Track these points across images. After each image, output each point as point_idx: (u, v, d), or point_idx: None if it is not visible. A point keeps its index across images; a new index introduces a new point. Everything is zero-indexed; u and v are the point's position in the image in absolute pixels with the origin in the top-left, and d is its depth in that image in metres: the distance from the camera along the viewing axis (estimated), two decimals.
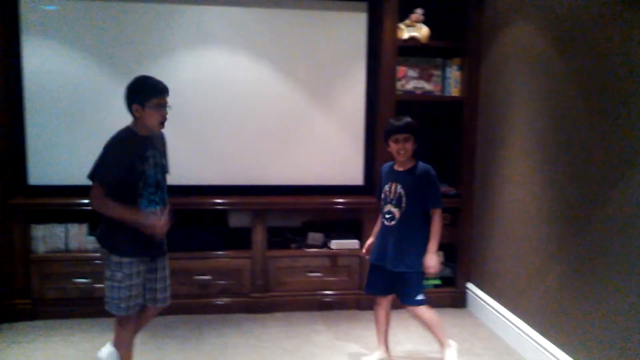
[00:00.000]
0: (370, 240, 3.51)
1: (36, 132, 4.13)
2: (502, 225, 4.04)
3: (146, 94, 2.89)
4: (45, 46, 4.09)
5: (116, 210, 2.86)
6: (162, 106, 2.94)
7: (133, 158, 2.89)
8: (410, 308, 3.32)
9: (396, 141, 3.25)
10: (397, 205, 3.28)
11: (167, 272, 3.16)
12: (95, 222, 4.18)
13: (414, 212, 3.27)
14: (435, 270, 3.28)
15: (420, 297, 3.29)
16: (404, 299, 3.32)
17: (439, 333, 3.35)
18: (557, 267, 3.36)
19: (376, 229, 3.49)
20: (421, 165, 3.33)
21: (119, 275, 2.91)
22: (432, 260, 3.25)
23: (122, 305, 2.93)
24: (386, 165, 3.45)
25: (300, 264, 4.38)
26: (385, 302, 3.44)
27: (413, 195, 3.26)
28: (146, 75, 3.01)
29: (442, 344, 3.35)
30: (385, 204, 3.34)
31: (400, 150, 3.25)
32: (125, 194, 2.89)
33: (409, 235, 3.28)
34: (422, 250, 3.27)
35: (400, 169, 3.33)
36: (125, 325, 3.04)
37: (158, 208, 3.00)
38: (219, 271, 4.27)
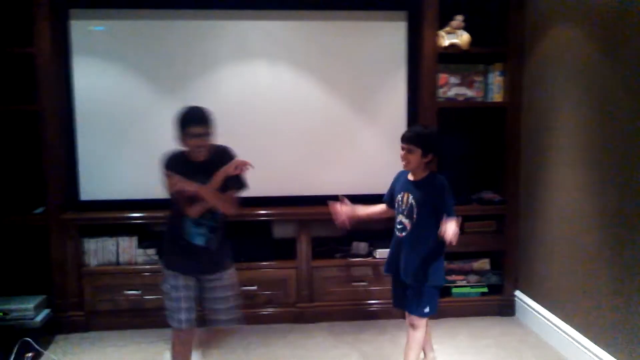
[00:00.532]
0: (349, 208, 3.44)
1: (86, 149, 4.26)
2: (549, 231, 3.97)
3: (181, 124, 3.01)
4: (95, 65, 4.23)
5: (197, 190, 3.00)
6: (196, 135, 2.98)
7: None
8: (413, 317, 3.20)
9: (402, 149, 3.17)
10: (409, 216, 3.17)
11: (229, 292, 3.20)
12: (144, 235, 4.33)
13: (426, 224, 3.12)
14: (450, 237, 2.87)
15: (426, 309, 3.17)
16: (409, 308, 3.22)
17: (414, 355, 3.22)
18: (609, 272, 3.28)
19: (363, 209, 3.47)
20: (435, 176, 3.19)
21: (166, 287, 3.10)
22: (452, 226, 2.89)
23: (174, 316, 3.07)
24: (403, 172, 3.32)
25: (345, 274, 4.38)
26: None
27: (424, 207, 3.12)
28: (190, 105, 3.08)
29: None
30: (398, 214, 3.26)
31: (403, 160, 3.17)
32: (174, 209, 3.10)
33: (420, 247, 3.16)
34: (432, 264, 3.15)
35: (413, 178, 3.22)
36: (176, 338, 3.14)
37: (207, 230, 3.11)
38: (265, 281, 4.31)
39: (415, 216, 3.14)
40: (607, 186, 3.29)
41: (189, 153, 3.05)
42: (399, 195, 3.24)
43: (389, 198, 3.40)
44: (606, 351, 3.30)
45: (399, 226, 3.24)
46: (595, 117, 3.40)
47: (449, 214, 3.01)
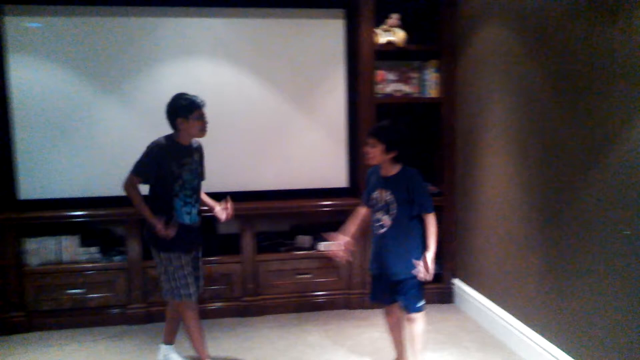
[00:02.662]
0: (346, 239, 3.34)
1: (25, 147, 4.21)
2: (484, 221, 4.16)
3: (189, 107, 3.28)
4: (32, 62, 4.18)
5: (136, 200, 3.28)
6: (203, 116, 3.34)
7: (170, 161, 3.28)
8: (410, 316, 3.21)
9: (366, 144, 3.18)
10: (387, 212, 3.16)
11: (200, 263, 3.57)
12: (87, 233, 4.30)
13: (405, 217, 3.14)
14: (424, 275, 3.13)
15: (420, 303, 3.21)
16: (406, 307, 3.20)
17: (418, 347, 3.24)
18: (536, 259, 3.47)
19: (352, 228, 3.36)
20: (407, 170, 3.19)
21: (171, 268, 3.32)
22: (426, 264, 3.11)
23: (184, 291, 3.33)
24: (374, 169, 3.30)
25: (289, 267, 4.47)
26: (393, 309, 3.34)
27: (401, 201, 3.13)
28: (182, 92, 3.34)
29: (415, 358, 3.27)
30: (375, 211, 3.23)
31: (366, 154, 3.17)
32: (163, 193, 3.31)
33: (403, 240, 3.16)
34: (419, 254, 3.16)
35: (387, 174, 3.19)
36: (190, 311, 3.39)
37: (194, 209, 3.41)
38: (210, 277, 4.34)
39: (393, 212, 3.14)
40: (534, 178, 3.48)
41: (180, 137, 3.34)
42: (375, 193, 3.23)
43: (367, 198, 3.32)
44: (537, 332, 3.50)
45: (377, 224, 3.22)
46: (521, 111, 3.59)
47: (425, 208, 3.15)
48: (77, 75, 4.24)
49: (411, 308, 3.19)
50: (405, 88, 4.63)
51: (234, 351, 3.83)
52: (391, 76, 4.59)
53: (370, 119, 4.42)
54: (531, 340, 3.52)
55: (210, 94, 4.35)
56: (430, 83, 4.59)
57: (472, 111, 4.27)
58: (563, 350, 3.22)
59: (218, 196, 4.45)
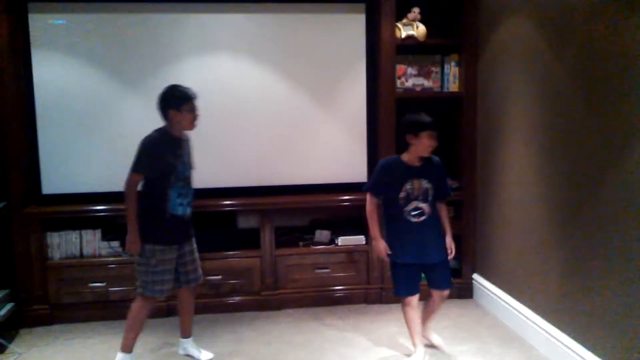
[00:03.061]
0: (384, 242, 3.46)
1: (48, 143, 4.25)
2: (504, 216, 4.13)
3: (182, 99, 3.31)
4: (55, 58, 4.22)
5: (131, 204, 3.29)
6: (195, 109, 3.36)
7: (166, 154, 3.31)
8: (446, 292, 3.50)
9: (430, 137, 3.28)
10: (425, 200, 3.36)
11: (196, 254, 3.58)
12: (108, 227, 4.34)
13: (435, 203, 3.44)
14: (453, 255, 3.51)
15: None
16: (446, 285, 3.50)
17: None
18: (558, 253, 3.45)
19: (375, 225, 3.49)
20: (431, 157, 3.41)
21: (153, 261, 3.32)
22: (453, 244, 3.50)
23: (157, 287, 3.35)
24: (391, 162, 3.43)
25: (308, 261, 4.48)
26: (417, 300, 3.48)
27: (436, 187, 3.39)
28: (175, 84, 3.38)
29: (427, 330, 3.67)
30: (409, 201, 3.34)
31: (432, 146, 3.30)
32: (159, 185, 3.33)
33: (437, 224, 3.45)
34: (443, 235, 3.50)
35: (418, 163, 3.36)
36: (148, 306, 3.42)
37: (186, 201, 3.43)
38: (230, 271, 4.38)
39: (430, 199, 3.37)
40: (555, 174, 3.45)
41: (173, 129, 3.36)
42: (408, 184, 3.33)
43: (383, 191, 3.44)
44: (557, 328, 3.48)
45: (414, 212, 3.35)
46: (543, 107, 3.56)
47: (449, 193, 3.54)
48: (99, 72, 4.27)
49: (450, 284, 3.53)
50: (426, 82, 4.60)
51: (253, 344, 3.86)
52: (412, 70, 4.56)
53: (390, 113, 4.40)
54: (551, 335, 3.50)
55: (231, 89, 4.42)
56: (451, 77, 4.56)
57: (493, 106, 4.24)
58: (583, 346, 3.20)
59: (238, 191, 4.50)
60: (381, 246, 3.45)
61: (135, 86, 4.31)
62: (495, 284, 4.33)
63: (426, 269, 3.45)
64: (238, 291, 4.42)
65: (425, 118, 3.32)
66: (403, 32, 4.41)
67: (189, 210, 3.47)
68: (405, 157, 3.38)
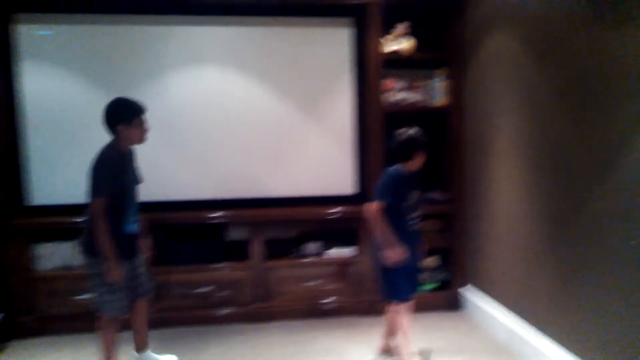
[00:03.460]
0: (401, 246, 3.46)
1: (36, 153, 4.28)
2: (494, 228, 4.16)
3: (131, 113, 3.25)
4: (43, 69, 4.26)
5: (106, 232, 3.14)
6: (144, 123, 3.30)
7: (121, 171, 3.24)
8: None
9: (425, 154, 3.48)
10: (418, 208, 3.55)
11: (144, 267, 3.54)
12: None
13: None
14: None
15: None
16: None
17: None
18: (548, 265, 3.47)
19: (393, 234, 3.47)
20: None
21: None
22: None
23: (117, 305, 3.29)
24: (399, 172, 3.49)
25: (298, 274, 4.49)
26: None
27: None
28: (122, 97, 3.33)
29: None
30: (411, 210, 3.50)
31: (420, 165, 3.51)
32: (116, 204, 3.22)
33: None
34: None
35: (410, 176, 3.52)
36: (113, 326, 3.37)
37: (137, 217, 3.37)
38: (219, 283, 4.39)
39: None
40: (543, 186, 3.48)
41: (121, 144, 3.27)
42: (413, 194, 3.51)
43: (391, 200, 3.45)
44: (549, 339, 3.49)
45: (415, 220, 3.53)
46: (530, 119, 3.60)
47: None
48: (87, 83, 4.30)
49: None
50: (414, 96, 4.65)
51: (244, 356, 3.86)
52: (399, 84, 4.61)
53: (378, 126, 4.45)
54: (542, 347, 3.51)
55: (217, 101, 4.46)
56: (438, 91, 4.62)
57: (481, 119, 4.29)
58: (574, 356, 3.21)
59: (226, 203, 4.51)
60: (402, 250, 3.42)
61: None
62: (486, 295, 4.34)
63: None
64: (227, 303, 4.42)
65: (423, 137, 3.50)
66: (390, 46, 4.46)
67: (137, 226, 3.41)
68: (405, 168, 3.49)
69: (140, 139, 3.31)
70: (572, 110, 3.14)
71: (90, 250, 3.22)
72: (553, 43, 3.30)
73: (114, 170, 3.19)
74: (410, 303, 3.57)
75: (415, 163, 3.46)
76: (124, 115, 3.22)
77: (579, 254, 3.13)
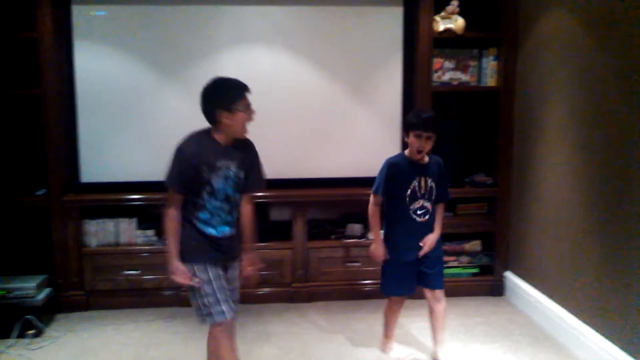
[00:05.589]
0: (382, 245, 3.40)
1: (88, 132, 4.33)
2: (540, 214, 4.06)
3: (233, 96, 2.70)
4: (96, 49, 4.28)
5: (169, 231, 2.78)
6: (249, 107, 2.76)
7: (200, 164, 2.69)
8: (439, 291, 3.39)
9: (419, 137, 3.16)
10: (429, 198, 3.31)
11: (236, 274, 2.99)
12: (144, 216, 4.41)
13: (435, 204, 3.39)
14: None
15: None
16: (438, 283, 3.39)
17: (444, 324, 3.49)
18: (594, 253, 3.38)
19: (378, 228, 3.42)
20: (433, 156, 3.38)
21: (195, 281, 2.76)
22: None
23: (213, 310, 2.74)
24: (397, 160, 3.32)
25: (339, 255, 4.48)
26: (404, 301, 3.55)
27: (438, 187, 3.34)
28: (223, 76, 2.79)
29: (441, 341, 3.50)
30: (415, 199, 3.28)
31: (421, 148, 3.18)
32: (188, 202, 2.78)
33: (432, 222, 3.38)
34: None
35: (423, 161, 3.30)
36: (222, 336, 2.80)
37: (224, 223, 2.83)
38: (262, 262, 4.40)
39: (433, 197, 3.33)
40: (594, 172, 3.37)
41: (218, 133, 2.76)
42: (415, 182, 3.26)
43: (385, 190, 3.34)
44: (592, 329, 3.42)
45: (420, 211, 3.30)
46: (584, 101, 3.48)
47: (448, 194, 3.46)
48: (138, 63, 4.32)
49: (441, 284, 3.40)
50: (463, 76, 4.54)
51: (282, 335, 3.89)
52: (448, 64, 4.50)
53: (426, 107, 4.36)
54: (585, 336, 3.44)
55: (266, 81, 4.42)
56: (488, 72, 4.49)
57: (532, 102, 4.16)
58: (617, 347, 3.14)
59: (271, 183, 4.50)
60: (381, 251, 3.39)
61: (173, 77, 4.35)
62: (528, 282, 4.27)
63: (421, 265, 3.38)
64: (269, 282, 4.45)
65: (416, 117, 3.19)
66: (441, 25, 4.34)
67: (229, 230, 2.85)
68: (407, 154, 3.31)
69: (243, 130, 2.79)
70: (631, 93, 3.01)
71: (181, 255, 2.80)
72: (615, 24, 3.16)
73: (189, 157, 2.69)
74: (402, 299, 3.51)
75: (411, 146, 3.23)
76: (224, 99, 2.69)
77: (629, 243, 3.04)
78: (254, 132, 4.43)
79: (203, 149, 2.72)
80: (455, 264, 4.59)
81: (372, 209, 3.41)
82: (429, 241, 3.34)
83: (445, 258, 4.54)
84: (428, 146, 3.20)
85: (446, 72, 4.52)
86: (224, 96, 2.69)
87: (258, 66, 4.40)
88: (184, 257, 2.78)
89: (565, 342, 3.66)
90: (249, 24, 4.37)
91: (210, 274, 2.77)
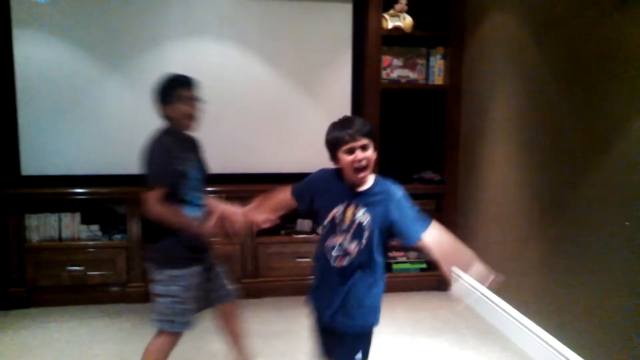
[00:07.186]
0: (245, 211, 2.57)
1: (28, 124, 4.19)
2: (486, 210, 4.16)
3: (168, 89, 2.73)
4: (37, 38, 4.15)
5: (180, 215, 2.68)
6: (187, 99, 2.75)
7: (176, 160, 2.69)
8: None
9: (351, 151, 2.20)
10: (355, 237, 2.23)
11: (219, 265, 3.03)
12: (88, 211, 4.30)
13: (377, 247, 2.26)
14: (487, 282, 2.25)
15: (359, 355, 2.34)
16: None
17: None
18: (537, 247, 3.48)
19: (254, 206, 2.57)
20: (385, 183, 2.29)
21: (174, 289, 2.70)
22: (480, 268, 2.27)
23: (177, 320, 2.73)
24: (328, 173, 2.36)
25: (289, 250, 4.48)
26: None
27: (380, 225, 2.23)
28: (170, 72, 2.82)
29: None
30: (333, 233, 2.26)
31: (362, 162, 2.19)
32: (173, 202, 2.69)
33: (369, 278, 2.29)
34: (376, 306, 2.35)
35: (358, 186, 2.26)
36: (173, 342, 2.79)
37: (203, 211, 2.84)
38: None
39: (365, 240, 2.22)
40: (537, 169, 3.48)
41: (178, 127, 2.77)
42: (337, 208, 2.25)
43: (300, 193, 2.44)
44: (535, 322, 3.52)
45: (335, 252, 2.26)
46: (527, 101, 3.58)
47: (425, 224, 2.26)
48: (82, 52, 4.21)
49: None
50: (411, 74, 4.61)
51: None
52: (397, 62, 4.56)
53: (375, 104, 4.41)
54: (528, 329, 3.54)
55: (215, 74, 4.37)
56: (436, 70, 4.57)
57: (478, 100, 4.25)
58: (561, 341, 3.24)
59: (221, 178, 4.47)
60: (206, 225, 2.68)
61: (119, 68, 4.26)
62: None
63: (339, 338, 2.35)
64: None
65: (339, 129, 2.28)
66: (390, 22, 4.40)
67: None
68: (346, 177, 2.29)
69: (183, 121, 2.75)
70: (571, 92, 3.12)
71: (151, 254, 2.77)
72: (555, 23, 3.26)
73: (170, 154, 2.67)
74: None
75: (347, 169, 2.23)
76: (161, 93, 2.72)
77: (570, 238, 3.14)
78: (202, 126, 4.42)
79: (174, 144, 2.73)
80: (403, 259, 4.66)
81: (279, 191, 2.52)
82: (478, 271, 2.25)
83: (394, 254, 4.62)
84: (369, 158, 2.21)
85: (395, 70, 4.58)
86: (162, 90, 2.74)
87: (206, 59, 4.36)
88: (168, 262, 2.72)
89: (511, 336, 3.76)
90: (197, 15, 4.33)
91: (191, 281, 2.75)
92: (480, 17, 4.19)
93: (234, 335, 3.14)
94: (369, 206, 2.23)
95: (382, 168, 4.48)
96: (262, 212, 2.52)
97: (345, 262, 2.25)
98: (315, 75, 4.54)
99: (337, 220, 2.26)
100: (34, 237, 4.20)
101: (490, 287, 2.31)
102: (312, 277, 2.41)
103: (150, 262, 2.78)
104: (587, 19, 2.96)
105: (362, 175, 2.22)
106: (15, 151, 4.21)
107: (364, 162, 2.19)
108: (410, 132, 4.81)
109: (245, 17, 4.39)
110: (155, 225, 2.70)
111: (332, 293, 2.28)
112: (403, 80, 4.58)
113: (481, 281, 2.22)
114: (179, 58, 4.30)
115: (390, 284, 4.46)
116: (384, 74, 4.51)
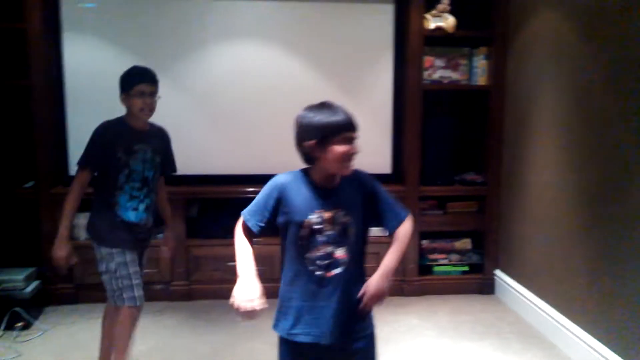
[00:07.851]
0: (258, 283, 2.05)
1: (77, 125, 4.29)
2: (529, 212, 4.09)
3: (128, 81, 2.87)
4: (85, 42, 4.27)
5: (69, 204, 2.87)
6: (145, 94, 2.86)
7: (116, 147, 2.83)
8: None
9: (346, 140, 2.06)
10: (342, 242, 2.03)
11: (146, 260, 3.18)
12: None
13: (362, 248, 2.12)
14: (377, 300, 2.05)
15: None
16: None
17: None
18: (583, 251, 3.40)
19: (246, 254, 2.15)
20: (356, 171, 2.14)
21: (112, 265, 2.87)
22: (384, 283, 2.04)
23: (125, 295, 2.85)
24: (289, 179, 2.15)
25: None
26: None
27: (360, 220, 2.08)
28: (136, 65, 2.98)
29: None
30: (314, 245, 2.02)
31: (352, 155, 2.06)
32: (105, 185, 2.89)
33: (359, 285, 2.06)
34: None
35: (331, 183, 2.08)
36: (132, 316, 2.90)
37: (142, 205, 2.93)
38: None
39: (351, 240, 2.04)
40: (584, 171, 3.40)
41: (131, 119, 2.91)
42: (312, 217, 2.02)
43: (263, 224, 2.13)
44: (581, 327, 3.44)
45: (321, 262, 2.02)
46: (573, 102, 3.50)
47: (402, 216, 2.14)
48: (127, 55, 4.29)
49: None
50: (454, 75, 4.56)
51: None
52: (439, 62, 4.53)
53: (417, 104, 4.38)
54: (574, 334, 3.46)
55: (257, 76, 4.42)
56: (479, 70, 4.52)
57: (522, 100, 4.19)
58: (609, 348, 3.15)
59: (264, 178, 4.48)
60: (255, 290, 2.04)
61: (164, 71, 4.27)
62: (518, 280, 4.29)
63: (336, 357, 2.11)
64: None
65: (335, 114, 2.15)
66: (432, 23, 4.37)
67: (145, 217, 2.96)
68: (313, 175, 2.11)
69: (138, 113, 2.87)
70: (620, 93, 3.05)
71: (90, 231, 2.98)
72: (603, 22, 3.19)
73: (105, 141, 2.84)
74: None
75: (335, 159, 2.04)
76: (122, 84, 2.88)
77: (619, 242, 3.05)
78: (244, 126, 4.46)
79: (118, 132, 2.88)
80: (445, 261, 4.61)
81: (238, 237, 2.25)
82: (370, 287, 2.03)
83: (436, 256, 4.58)
84: (357, 150, 2.09)
85: (437, 70, 4.54)
86: (122, 80, 2.90)
87: (249, 61, 4.41)
88: (103, 240, 2.90)
89: (555, 341, 3.68)
90: (239, 19, 4.38)
91: (127, 257, 2.88)
92: (524, 16, 4.12)
93: (110, 340, 3.08)
94: (346, 203, 2.05)
95: (424, 170, 4.48)
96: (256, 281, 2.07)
97: (337, 270, 2.02)
98: (356, 76, 4.53)
99: (315, 229, 2.01)
100: (82, 235, 4.29)
101: (369, 306, 2.05)
102: (287, 305, 2.08)
103: (90, 238, 2.98)
104: (637, 17, 2.88)
105: (349, 165, 2.06)
106: (64, 152, 4.32)
107: (353, 156, 2.06)
108: (452, 133, 4.76)
109: (285, 20, 4.43)
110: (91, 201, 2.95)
111: (329, 310, 2.01)
112: (445, 81, 4.54)
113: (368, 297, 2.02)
114: (222, 60, 4.36)
115: (431, 286, 4.52)
116: (425, 74, 4.48)
